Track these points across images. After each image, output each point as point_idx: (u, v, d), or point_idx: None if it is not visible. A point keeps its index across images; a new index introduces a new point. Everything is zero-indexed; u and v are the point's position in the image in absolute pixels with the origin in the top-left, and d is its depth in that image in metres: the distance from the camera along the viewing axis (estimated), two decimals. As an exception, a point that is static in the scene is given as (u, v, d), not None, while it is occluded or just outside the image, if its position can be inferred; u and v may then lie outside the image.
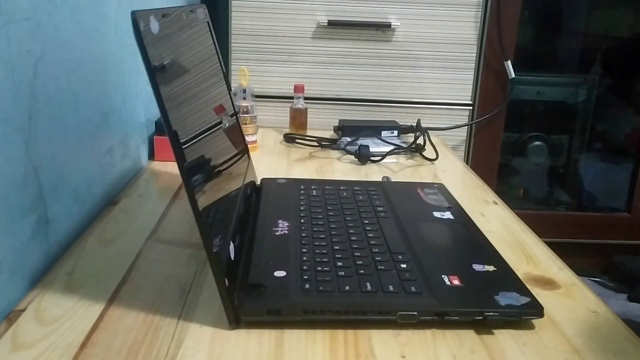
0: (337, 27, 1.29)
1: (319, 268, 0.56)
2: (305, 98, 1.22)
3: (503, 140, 1.60)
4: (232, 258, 0.55)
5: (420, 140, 1.10)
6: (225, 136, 0.68)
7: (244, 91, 1.09)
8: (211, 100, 0.66)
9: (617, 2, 1.90)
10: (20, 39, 0.54)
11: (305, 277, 0.55)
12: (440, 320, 0.51)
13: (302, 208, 0.72)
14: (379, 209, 0.73)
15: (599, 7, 1.89)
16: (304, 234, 0.65)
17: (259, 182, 0.84)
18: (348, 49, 1.32)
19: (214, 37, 0.75)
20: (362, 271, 0.56)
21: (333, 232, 0.65)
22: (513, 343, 0.49)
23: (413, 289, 0.53)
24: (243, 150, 0.78)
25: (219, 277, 0.49)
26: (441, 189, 0.84)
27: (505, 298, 0.52)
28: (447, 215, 0.73)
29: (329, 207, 0.73)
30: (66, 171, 0.66)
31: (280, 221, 0.68)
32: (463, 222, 0.72)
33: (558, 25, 1.87)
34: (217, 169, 0.60)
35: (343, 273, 0.56)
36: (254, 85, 1.14)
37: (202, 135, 0.57)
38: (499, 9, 1.38)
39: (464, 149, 1.43)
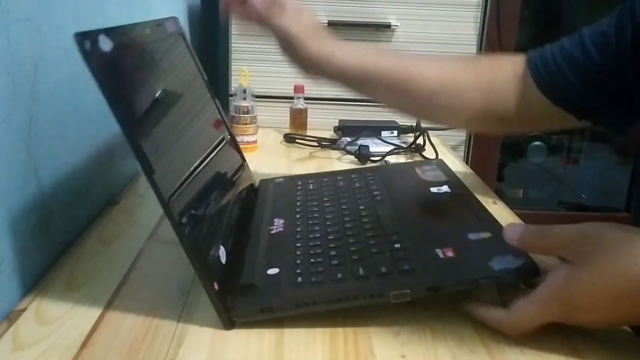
0: (337, 27, 1.29)
1: (312, 260, 0.56)
2: (305, 98, 1.22)
3: (503, 140, 1.60)
4: (223, 262, 0.54)
5: (420, 140, 1.10)
6: (212, 153, 0.67)
7: (244, 91, 1.09)
8: (193, 117, 0.65)
9: (617, 2, 1.90)
10: (21, 39, 0.54)
11: (298, 271, 0.54)
12: (436, 294, 0.50)
13: (298, 204, 0.72)
14: (375, 192, 0.72)
15: (598, 7, 1.89)
16: (299, 229, 0.64)
17: (257, 184, 0.84)
18: (348, 49, 1.32)
19: (191, 48, 0.74)
20: (355, 257, 0.55)
21: (328, 223, 0.64)
22: (513, 343, 0.49)
23: (406, 267, 0.52)
24: (236, 159, 0.77)
25: (207, 282, 0.49)
26: (440, 164, 0.82)
27: (500, 262, 0.51)
28: (445, 189, 0.72)
29: (325, 199, 0.72)
30: (66, 171, 0.66)
31: (275, 219, 0.67)
32: (460, 194, 0.70)
33: (558, 25, 1.87)
34: (200, 186, 0.58)
35: (336, 262, 0.55)
36: (254, 85, 1.14)
37: (184, 157, 0.57)
38: (498, 9, 1.39)
39: (463, 149, 1.43)
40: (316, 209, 0.69)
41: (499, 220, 0.65)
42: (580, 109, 0.67)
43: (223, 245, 0.56)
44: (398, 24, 1.30)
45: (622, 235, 0.45)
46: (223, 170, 0.69)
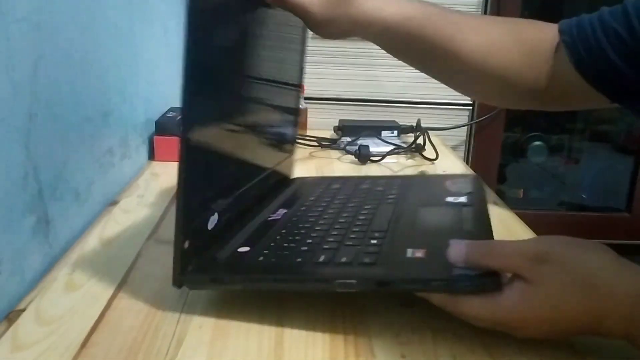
0: (337, 27, 1.29)
1: (284, 244, 0.56)
2: (306, 98, 1.23)
3: (503, 140, 1.60)
4: (209, 228, 0.55)
5: (420, 140, 1.10)
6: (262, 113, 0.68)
7: (244, 91, 1.08)
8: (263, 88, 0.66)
9: (617, 2, 1.89)
10: (20, 38, 0.54)
11: (265, 251, 0.54)
12: (386, 290, 0.49)
13: (311, 199, 0.71)
14: (390, 196, 0.70)
15: (598, 7, 1.89)
16: (295, 219, 0.64)
17: (292, 178, 0.85)
18: (348, 49, 1.32)
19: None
20: (326, 246, 0.54)
21: (325, 216, 0.63)
22: (513, 343, 0.49)
23: (366, 260, 0.50)
24: (282, 151, 0.78)
25: (179, 236, 0.49)
26: (475, 180, 0.78)
27: (462, 268, 0.47)
28: (461, 199, 0.67)
29: (339, 197, 0.71)
30: (66, 171, 0.66)
31: (280, 210, 0.67)
32: (472, 205, 0.65)
33: (558, 25, 1.87)
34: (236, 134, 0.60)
35: (305, 248, 0.54)
36: (254, 85, 1.14)
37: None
38: (498, 9, 1.39)
39: (464, 149, 1.44)
40: (324, 204, 0.69)
41: (499, 220, 0.65)
42: (618, 91, 0.62)
43: (218, 214, 0.57)
44: (398, 24, 1.30)
45: (578, 255, 0.45)
46: (258, 154, 0.69)
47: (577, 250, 0.46)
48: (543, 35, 0.65)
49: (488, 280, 0.46)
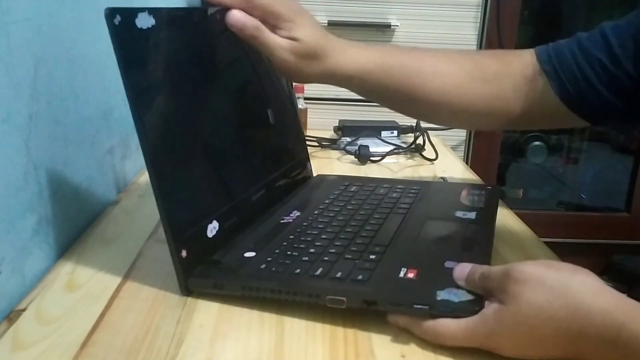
0: (337, 27, 1.30)
1: (288, 252, 0.57)
2: (305, 98, 1.23)
3: (503, 140, 1.61)
4: (210, 236, 0.57)
5: (420, 141, 1.10)
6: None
7: (244, 91, 1.09)
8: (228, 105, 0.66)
9: (617, 2, 1.90)
10: (21, 39, 0.54)
11: (269, 259, 0.56)
12: (371, 308, 0.49)
13: (326, 202, 0.72)
14: (402, 205, 0.71)
15: (599, 7, 1.90)
16: (305, 224, 0.64)
17: (312, 177, 0.86)
18: (348, 49, 1.32)
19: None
20: (326, 258, 0.56)
21: (334, 224, 0.64)
22: (513, 343, 0.49)
23: (360, 277, 0.52)
24: (284, 156, 0.78)
25: (173, 248, 0.52)
26: (492, 191, 0.78)
27: (447, 293, 0.49)
28: (470, 215, 0.68)
29: (353, 202, 0.72)
30: (67, 171, 0.66)
31: (294, 211, 0.68)
32: (478, 223, 0.66)
33: (558, 25, 1.87)
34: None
35: (307, 258, 0.56)
36: (254, 85, 1.14)
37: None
38: (498, 9, 1.39)
39: (463, 149, 1.44)
40: (337, 209, 0.69)
41: (499, 220, 0.65)
42: (601, 117, 0.64)
43: (218, 222, 0.58)
44: (398, 24, 1.30)
45: (558, 277, 0.44)
46: (256, 162, 0.70)
47: (558, 272, 0.45)
48: (512, 66, 0.67)
49: (468, 306, 0.47)
